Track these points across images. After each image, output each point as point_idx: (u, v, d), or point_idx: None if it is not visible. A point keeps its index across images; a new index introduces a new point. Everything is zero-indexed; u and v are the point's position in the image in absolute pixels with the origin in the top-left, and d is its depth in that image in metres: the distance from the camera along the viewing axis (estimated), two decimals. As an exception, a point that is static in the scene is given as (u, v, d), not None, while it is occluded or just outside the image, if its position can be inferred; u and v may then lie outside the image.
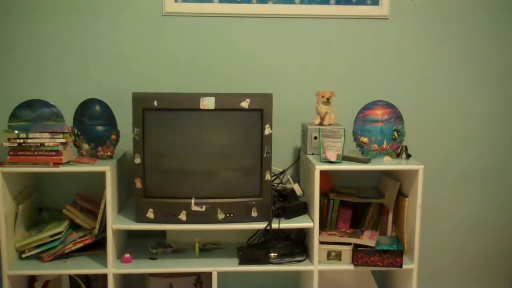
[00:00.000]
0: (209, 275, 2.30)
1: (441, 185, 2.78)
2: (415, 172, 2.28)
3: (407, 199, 2.36)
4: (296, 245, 2.47)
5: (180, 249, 2.45)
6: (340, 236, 2.34)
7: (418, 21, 2.68)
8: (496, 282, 2.88)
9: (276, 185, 2.56)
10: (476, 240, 2.84)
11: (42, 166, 2.19)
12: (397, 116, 2.44)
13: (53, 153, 2.20)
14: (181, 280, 2.44)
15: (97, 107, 2.36)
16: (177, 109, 2.21)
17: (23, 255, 2.29)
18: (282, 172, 2.62)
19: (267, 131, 2.24)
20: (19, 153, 2.19)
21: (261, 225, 2.28)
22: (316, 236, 2.27)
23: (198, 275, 2.45)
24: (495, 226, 2.84)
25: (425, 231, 2.68)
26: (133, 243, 2.53)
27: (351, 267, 2.31)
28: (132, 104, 2.19)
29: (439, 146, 2.76)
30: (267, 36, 2.64)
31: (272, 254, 2.36)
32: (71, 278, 2.48)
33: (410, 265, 2.32)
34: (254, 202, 2.26)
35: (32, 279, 2.45)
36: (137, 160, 2.22)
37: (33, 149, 2.19)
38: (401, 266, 2.29)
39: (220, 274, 2.30)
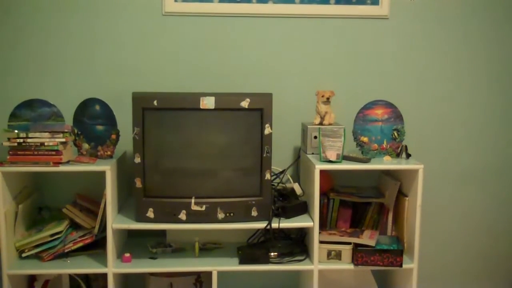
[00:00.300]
0: (209, 274, 2.30)
1: (441, 185, 2.78)
2: (415, 171, 2.28)
3: (407, 198, 2.36)
4: (296, 244, 2.47)
5: (180, 249, 2.45)
6: (340, 236, 2.34)
7: (418, 21, 2.68)
8: (496, 282, 2.88)
9: (276, 184, 2.56)
10: (476, 240, 2.84)
11: (42, 166, 2.19)
12: (397, 116, 2.44)
13: (53, 152, 2.20)
14: (181, 280, 2.44)
15: (97, 107, 2.36)
16: (177, 108, 2.21)
17: (23, 255, 2.29)
18: (282, 172, 2.62)
19: (267, 130, 2.24)
20: (19, 152, 2.19)
21: (261, 225, 2.28)
22: (316, 236, 2.27)
23: (198, 274, 2.45)
24: (495, 226, 2.84)
25: (425, 231, 2.69)
26: (133, 243, 2.53)
27: (351, 266, 2.31)
28: (132, 103, 2.19)
29: (439, 146, 2.76)
30: (267, 35, 2.64)
31: (272, 254, 2.36)
32: (71, 277, 2.48)
33: (410, 264, 2.32)
34: (254, 202, 2.26)
35: (32, 278, 2.45)
36: (137, 160, 2.22)
37: (33, 148, 2.19)
38: (401, 265, 2.29)
39: (220, 273, 2.30)
